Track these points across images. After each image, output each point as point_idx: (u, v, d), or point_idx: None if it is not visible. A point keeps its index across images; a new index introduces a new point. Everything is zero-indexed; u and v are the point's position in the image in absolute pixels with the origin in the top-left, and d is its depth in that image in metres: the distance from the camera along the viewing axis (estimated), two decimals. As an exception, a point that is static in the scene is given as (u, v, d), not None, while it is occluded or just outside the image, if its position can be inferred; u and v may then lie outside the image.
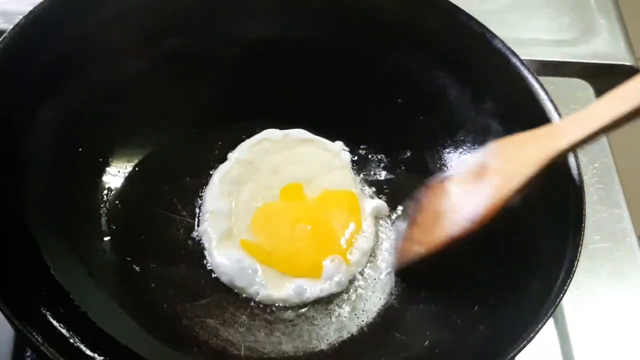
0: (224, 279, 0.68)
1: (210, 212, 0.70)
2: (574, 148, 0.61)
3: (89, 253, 0.66)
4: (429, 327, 0.67)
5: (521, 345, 0.58)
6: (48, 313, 0.57)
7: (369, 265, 0.71)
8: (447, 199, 0.66)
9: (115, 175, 0.71)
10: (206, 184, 0.73)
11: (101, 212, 0.69)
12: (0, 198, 0.61)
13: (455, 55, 0.74)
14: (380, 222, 0.74)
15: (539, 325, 0.58)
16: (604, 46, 0.95)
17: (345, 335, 0.68)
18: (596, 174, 0.84)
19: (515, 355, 0.58)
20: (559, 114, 0.68)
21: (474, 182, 0.64)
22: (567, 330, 0.74)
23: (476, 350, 0.63)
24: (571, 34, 0.96)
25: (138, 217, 0.70)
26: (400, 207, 0.74)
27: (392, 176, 0.76)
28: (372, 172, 0.76)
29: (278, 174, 0.74)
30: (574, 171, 0.66)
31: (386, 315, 0.69)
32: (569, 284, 0.60)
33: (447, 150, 0.75)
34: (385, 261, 0.72)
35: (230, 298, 0.68)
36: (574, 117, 0.62)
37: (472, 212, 0.63)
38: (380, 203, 0.74)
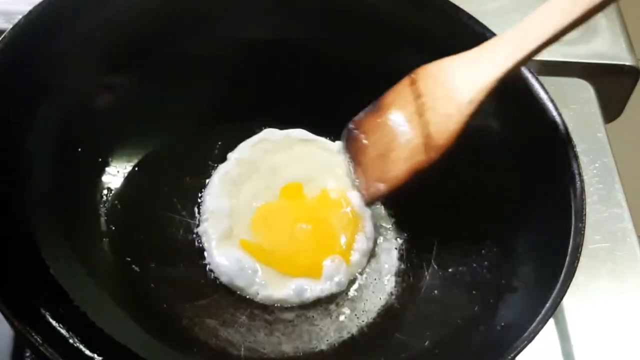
0: (224, 279, 0.68)
1: (210, 212, 0.70)
2: (523, 63, 0.60)
3: (89, 253, 0.66)
4: (429, 327, 0.67)
5: (521, 345, 0.58)
6: (47, 313, 0.57)
7: (369, 265, 0.71)
8: (387, 131, 0.65)
9: (115, 175, 0.71)
10: (206, 184, 0.73)
11: (101, 212, 0.69)
12: (-1, 198, 0.61)
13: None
14: (380, 222, 0.74)
15: (540, 326, 0.58)
16: (605, 46, 0.95)
17: (346, 335, 0.68)
18: (597, 173, 0.84)
19: (515, 355, 0.58)
20: (560, 114, 0.68)
21: (416, 110, 0.62)
22: (568, 330, 0.74)
23: (476, 350, 0.62)
24: (572, 34, 0.95)
25: (138, 217, 0.70)
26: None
27: (392, 176, 0.76)
28: (372, 172, 0.76)
29: (278, 174, 0.74)
30: (574, 171, 0.66)
31: (386, 315, 0.69)
32: (570, 284, 0.60)
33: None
34: (386, 261, 0.72)
35: (230, 298, 0.67)
36: (519, 28, 0.60)
37: (430, 143, 0.61)
38: (380, 203, 0.74)
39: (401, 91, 0.65)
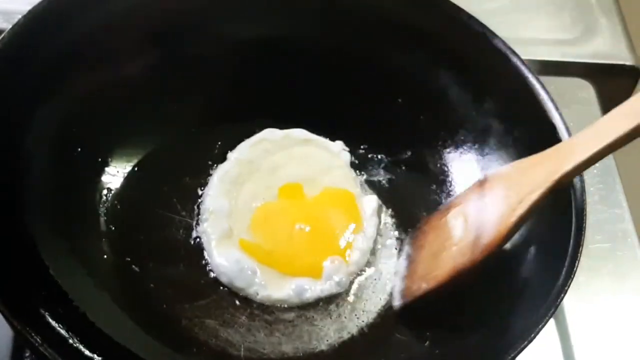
0: (224, 279, 0.68)
1: (210, 212, 0.70)
2: (579, 170, 0.60)
3: (88, 253, 0.66)
4: (429, 327, 0.66)
5: (522, 346, 0.58)
6: (47, 313, 0.57)
7: (369, 265, 0.71)
8: (446, 231, 0.65)
9: (114, 175, 0.71)
10: (206, 184, 0.73)
11: (100, 212, 0.69)
12: (-1, 198, 0.61)
13: (456, 55, 0.74)
14: (380, 222, 0.74)
15: (540, 326, 0.58)
16: (605, 46, 0.95)
17: (346, 335, 0.67)
18: (597, 174, 0.84)
19: (516, 355, 0.58)
20: (560, 114, 0.68)
21: (475, 212, 0.63)
22: (568, 330, 0.74)
23: (476, 350, 0.62)
24: (572, 34, 0.95)
25: (137, 217, 0.70)
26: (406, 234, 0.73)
27: (392, 176, 0.76)
28: (372, 172, 0.76)
29: (278, 173, 0.74)
30: (575, 171, 0.66)
31: (386, 315, 0.68)
32: (570, 284, 0.60)
33: (448, 150, 0.75)
34: (386, 261, 0.72)
35: (229, 298, 0.67)
36: (577, 137, 0.61)
37: (478, 243, 0.62)
38: (379, 203, 0.74)
39: (469, 192, 0.66)
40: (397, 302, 0.68)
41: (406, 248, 0.71)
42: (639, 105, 0.57)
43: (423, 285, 0.66)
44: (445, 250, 0.64)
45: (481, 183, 0.64)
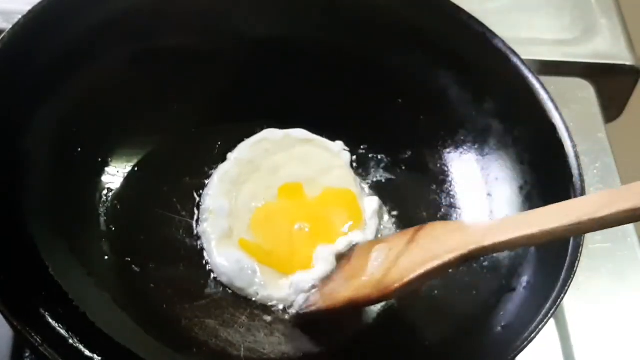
0: (224, 279, 0.68)
1: (210, 212, 0.70)
2: (496, 249, 0.59)
3: (88, 253, 0.66)
4: (429, 327, 0.66)
5: (522, 346, 0.58)
6: (47, 313, 0.57)
7: (369, 265, 0.71)
8: (366, 261, 0.65)
9: (114, 175, 0.71)
10: (206, 184, 0.73)
11: (100, 212, 0.69)
12: (-2, 198, 0.61)
13: (456, 55, 0.74)
14: (380, 222, 0.74)
15: (540, 326, 0.58)
16: (605, 46, 0.95)
17: (346, 335, 0.67)
18: (597, 174, 0.84)
19: (515, 355, 0.58)
20: (560, 114, 0.68)
21: (395, 253, 0.62)
22: (568, 330, 0.74)
23: (476, 350, 0.62)
24: (572, 34, 0.95)
25: (137, 217, 0.70)
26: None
27: (392, 176, 0.76)
28: (372, 172, 0.76)
29: (278, 173, 0.74)
30: (575, 171, 0.66)
31: (386, 315, 0.68)
32: (570, 284, 0.60)
33: (448, 150, 0.75)
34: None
35: (229, 298, 0.67)
36: (503, 220, 0.63)
37: (382, 281, 0.61)
38: (380, 203, 0.74)
39: (403, 234, 0.65)
40: (293, 310, 0.67)
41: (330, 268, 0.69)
42: (574, 207, 0.56)
43: (320, 303, 0.65)
44: (355, 278, 0.64)
45: (417, 229, 0.64)
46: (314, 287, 0.66)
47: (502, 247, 0.59)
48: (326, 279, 0.67)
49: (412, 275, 0.60)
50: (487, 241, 0.58)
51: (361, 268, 0.64)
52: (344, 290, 0.64)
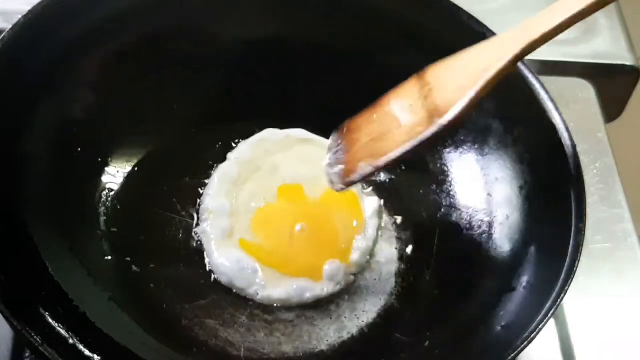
0: (224, 279, 0.68)
1: (210, 212, 0.70)
2: (546, 37, 0.59)
3: (88, 253, 0.66)
4: (429, 327, 0.66)
5: (522, 345, 0.58)
6: (47, 313, 0.57)
7: (369, 265, 0.71)
8: (388, 118, 0.62)
9: (114, 175, 0.71)
10: (206, 184, 0.73)
11: (100, 212, 0.69)
12: (-1, 198, 0.61)
13: (456, 55, 0.74)
14: (381, 222, 0.74)
15: (540, 326, 0.58)
16: (605, 46, 0.95)
17: (346, 335, 0.67)
18: (597, 174, 0.84)
19: (516, 355, 0.58)
20: (560, 114, 0.68)
21: (422, 96, 0.60)
22: (568, 330, 0.74)
23: (476, 350, 0.62)
24: (572, 34, 0.94)
25: (137, 217, 0.70)
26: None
27: (392, 176, 0.76)
28: (372, 172, 0.76)
29: (278, 174, 0.74)
30: (575, 171, 0.66)
31: (386, 315, 0.68)
32: (570, 284, 0.60)
33: (448, 150, 0.75)
34: (386, 261, 0.72)
35: (229, 298, 0.67)
36: (527, 20, 0.61)
37: (434, 115, 0.59)
38: (380, 203, 0.74)
39: (406, 85, 0.63)
40: (338, 186, 0.65)
41: (333, 147, 0.66)
42: None
43: (369, 162, 0.62)
44: (392, 131, 0.61)
45: (419, 76, 0.62)
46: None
47: (553, 33, 0.59)
48: (346, 155, 0.64)
49: (472, 91, 0.58)
50: (533, 36, 0.58)
51: (389, 123, 0.62)
52: (390, 143, 0.61)
